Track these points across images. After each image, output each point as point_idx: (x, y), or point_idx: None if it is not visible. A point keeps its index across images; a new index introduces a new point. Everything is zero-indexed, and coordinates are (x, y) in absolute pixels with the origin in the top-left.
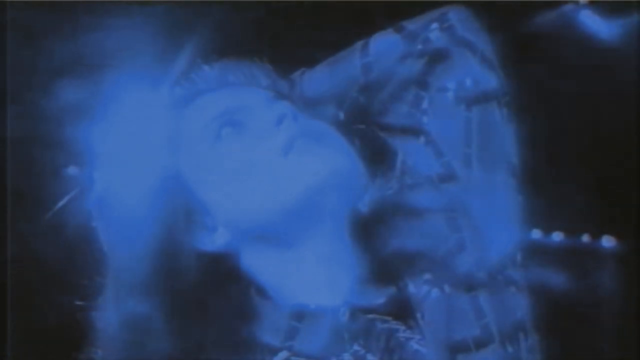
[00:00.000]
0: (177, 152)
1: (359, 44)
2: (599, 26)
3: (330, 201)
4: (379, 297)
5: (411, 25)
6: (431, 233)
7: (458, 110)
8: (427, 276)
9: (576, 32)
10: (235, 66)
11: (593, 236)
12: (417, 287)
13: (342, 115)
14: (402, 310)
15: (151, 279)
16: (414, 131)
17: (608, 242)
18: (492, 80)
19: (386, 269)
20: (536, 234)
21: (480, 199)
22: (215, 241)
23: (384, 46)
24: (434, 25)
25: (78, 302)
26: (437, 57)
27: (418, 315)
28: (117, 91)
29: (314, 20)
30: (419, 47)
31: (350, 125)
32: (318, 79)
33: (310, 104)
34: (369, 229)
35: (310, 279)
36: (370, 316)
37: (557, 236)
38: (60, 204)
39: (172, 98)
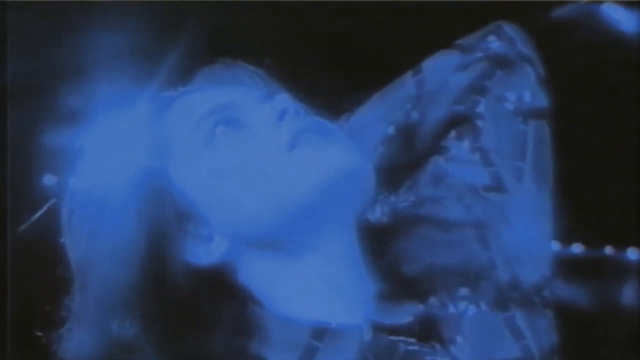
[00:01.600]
0: (164, 155)
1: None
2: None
3: (340, 201)
4: (405, 316)
5: (465, 41)
6: (462, 248)
7: (515, 122)
8: (464, 292)
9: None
10: (225, 67)
11: (617, 248)
12: (453, 305)
13: (391, 130)
14: (431, 331)
15: (135, 302)
16: (462, 135)
17: (633, 254)
18: (545, 97)
19: (412, 285)
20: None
21: (523, 215)
22: (211, 252)
23: (437, 61)
24: (492, 37)
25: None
26: (499, 63)
27: (451, 335)
28: (103, 94)
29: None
30: (479, 54)
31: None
32: (369, 108)
33: (358, 131)
34: (385, 240)
35: (321, 292)
36: (394, 337)
37: (577, 248)
38: (35, 217)
39: (160, 100)
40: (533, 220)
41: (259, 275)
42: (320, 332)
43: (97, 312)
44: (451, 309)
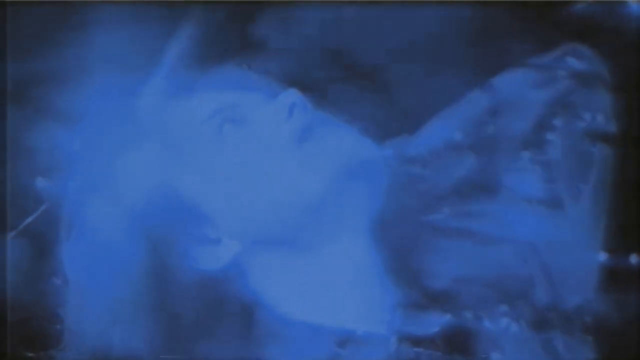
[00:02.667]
0: (167, 157)
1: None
2: None
3: (352, 193)
4: (432, 326)
5: (538, 60)
6: (500, 263)
7: (584, 142)
8: (503, 308)
9: None
10: (224, 69)
11: None
12: (491, 320)
13: (458, 135)
14: (461, 344)
15: (138, 312)
16: (526, 145)
17: None
18: (615, 122)
19: (441, 296)
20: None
21: (573, 235)
22: (220, 256)
23: (511, 78)
24: (570, 58)
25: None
26: (581, 83)
27: (485, 351)
28: (103, 94)
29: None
30: (560, 72)
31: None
32: (435, 126)
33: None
34: (414, 249)
35: (337, 295)
36: (417, 349)
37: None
38: (28, 220)
39: (159, 101)
40: (582, 241)
41: (271, 279)
42: (344, 340)
43: (94, 325)
44: (488, 324)
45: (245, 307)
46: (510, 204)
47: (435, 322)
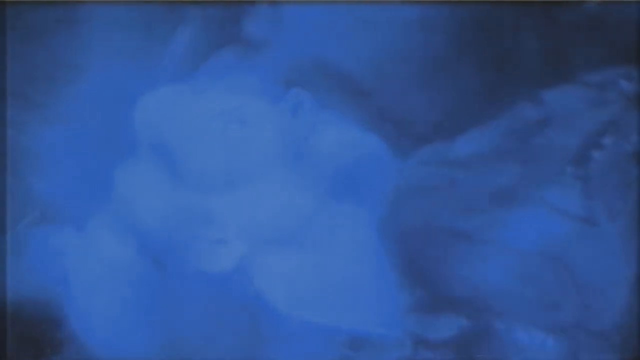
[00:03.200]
0: (168, 157)
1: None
2: None
3: (358, 187)
4: (447, 329)
5: (591, 78)
6: (528, 275)
7: (629, 164)
8: (531, 318)
9: None
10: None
11: None
12: (523, 332)
13: (503, 143)
14: (476, 348)
15: (141, 315)
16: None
17: None
18: None
19: (460, 300)
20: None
21: (605, 254)
22: (226, 257)
23: (563, 94)
24: (623, 80)
25: None
26: (631, 103)
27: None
28: (103, 94)
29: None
30: (614, 93)
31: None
32: (480, 135)
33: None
34: (434, 253)
35: (346, 296)
36: (432, 353)
37: None
38: (24, 223)
39: (159, 102)
40: (616, 260)
41: (279, 280)
42: (356, 342)
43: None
44: (510, 333)
45: (253, 309)
46: (546, 216)
47: (450, 327)
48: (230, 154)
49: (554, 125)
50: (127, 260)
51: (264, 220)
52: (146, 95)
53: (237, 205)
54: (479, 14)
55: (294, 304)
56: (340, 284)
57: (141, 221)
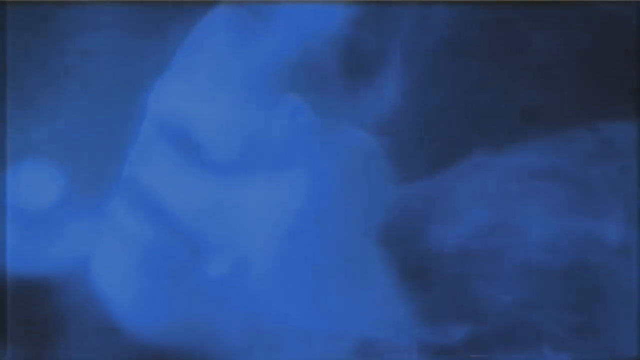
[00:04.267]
0: (168, 158)
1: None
2: None
3: (355, 190)
4: (454, 333)
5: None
6: (542, 287)
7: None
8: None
9: None
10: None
11: None
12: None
13: (554, 178)
14: (483, 353)
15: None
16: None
17: None
18: None
19: (468, 308)
20: None
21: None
22: (221, 263)
23: (618, 124)
24: None
25: None
26: None
27: None
28: (104, 94)
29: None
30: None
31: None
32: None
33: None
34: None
35: (353, 302)
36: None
37: None
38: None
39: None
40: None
41: (281, 284)
42: (362, 349)
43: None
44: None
45: (255, 314)
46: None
47: (457, 333)
48: (230, 156)
49: (606, 157)
50: (149, 238)
51: (265, 223)
52: (147, 98)
53: (237, 209)
54: (478, 14)
55: (296, 309)
56: (346, 288)
57: (163, 201)
